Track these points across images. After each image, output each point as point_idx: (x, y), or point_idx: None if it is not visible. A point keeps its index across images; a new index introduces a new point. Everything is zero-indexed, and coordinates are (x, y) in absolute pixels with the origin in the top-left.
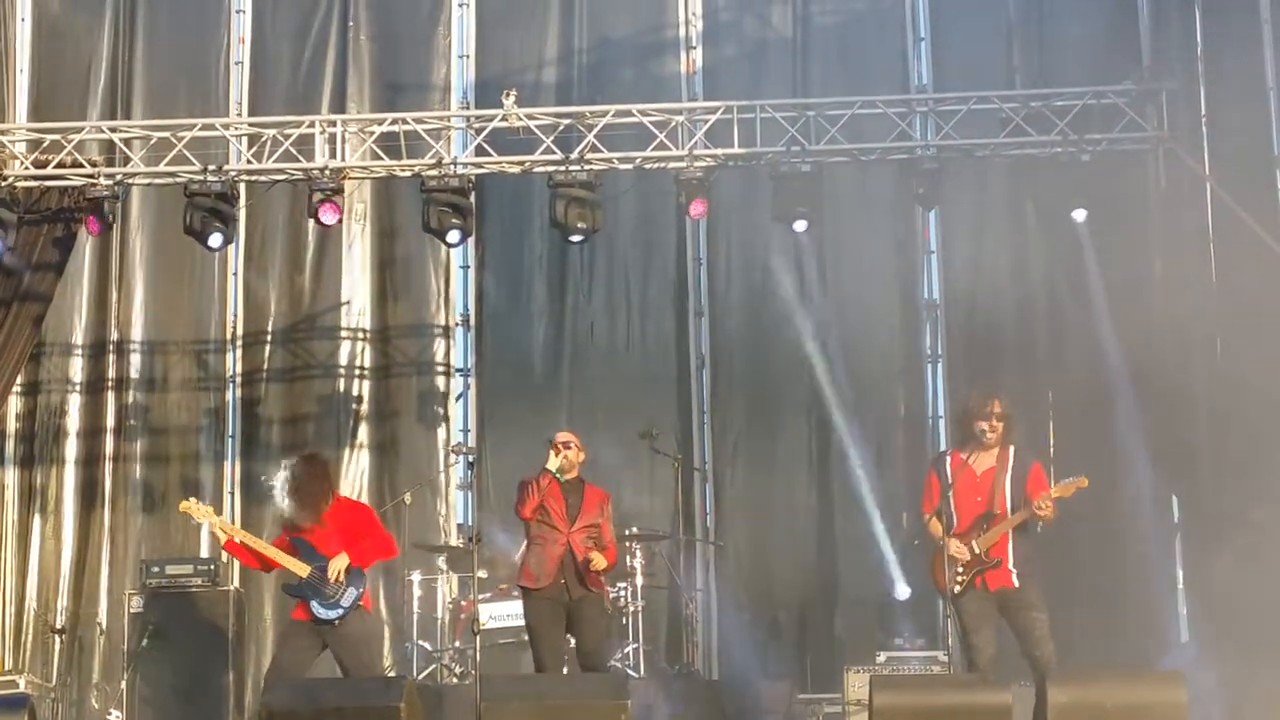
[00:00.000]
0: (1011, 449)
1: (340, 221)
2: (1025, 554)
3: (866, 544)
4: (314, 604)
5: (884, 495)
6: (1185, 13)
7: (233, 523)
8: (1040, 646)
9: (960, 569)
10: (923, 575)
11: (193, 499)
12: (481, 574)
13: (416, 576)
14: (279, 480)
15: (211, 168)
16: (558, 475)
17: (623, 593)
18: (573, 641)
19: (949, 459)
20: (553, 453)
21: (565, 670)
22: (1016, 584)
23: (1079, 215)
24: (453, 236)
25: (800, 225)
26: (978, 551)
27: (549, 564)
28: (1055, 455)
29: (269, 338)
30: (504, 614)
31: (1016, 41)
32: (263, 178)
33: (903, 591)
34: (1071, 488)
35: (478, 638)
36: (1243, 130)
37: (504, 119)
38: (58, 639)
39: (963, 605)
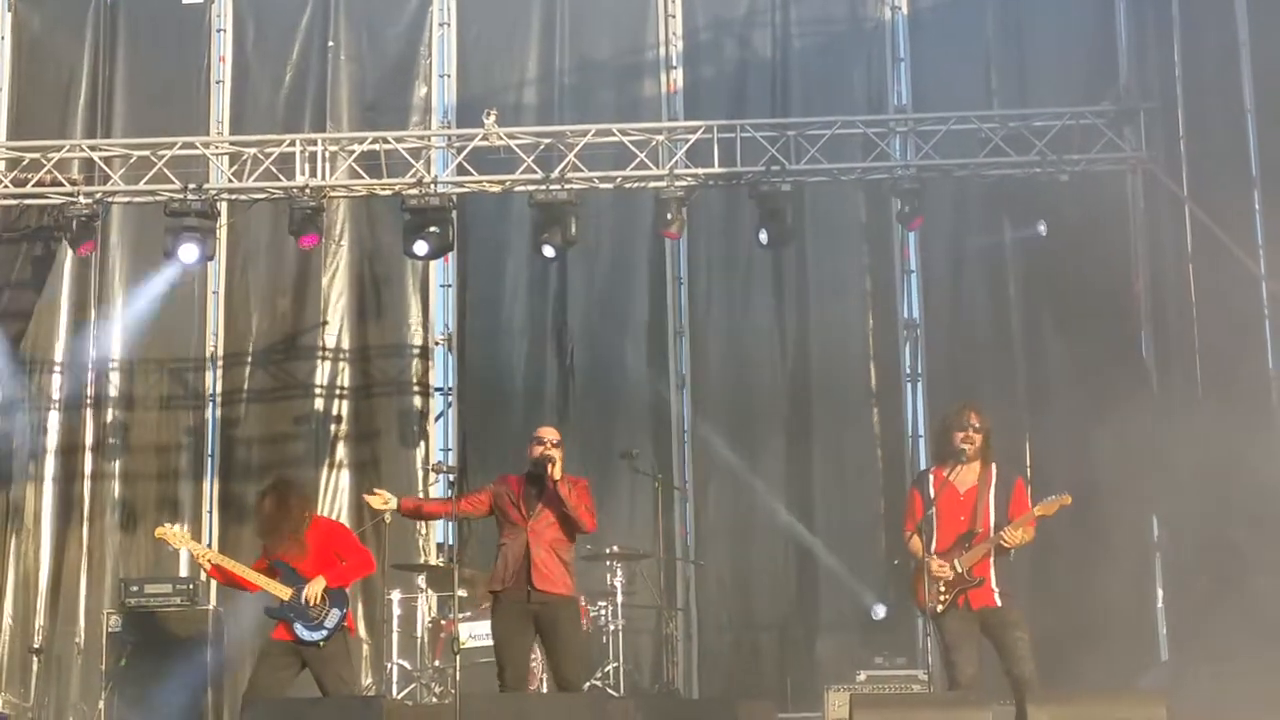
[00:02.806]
0: (994, 467)
1: (320, 242)
2: (1008, 573)
3: (847, 563)
4: (297, 626)
5: (865, 515)
6: (1163, 34)
7: (210, 542)
8: (1021, 665)
9: (943, 588)
10: (901, 595)
11: (168, 524)
12: (461, 593)
13: (396, 596)
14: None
15: (192, 186)
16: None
17: (603, 612)
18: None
19: (931, 476)
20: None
21: (533, 685)
22: (999, 603)
23: (1041, 228)
24: (419, 248)
25: (763, 236)
26: (960, 570)
27: (511, 562)
28: (1034, 474)
29: (249, 357)
30: (484, 633)
31: (995, 62)
32: (243, 196)
33: (879, 611)
34: (1055, 505)
35: (457, 657)
36: (1221, 151)
37: (485, 138)
38: (35, 658)
39: (944, 624)
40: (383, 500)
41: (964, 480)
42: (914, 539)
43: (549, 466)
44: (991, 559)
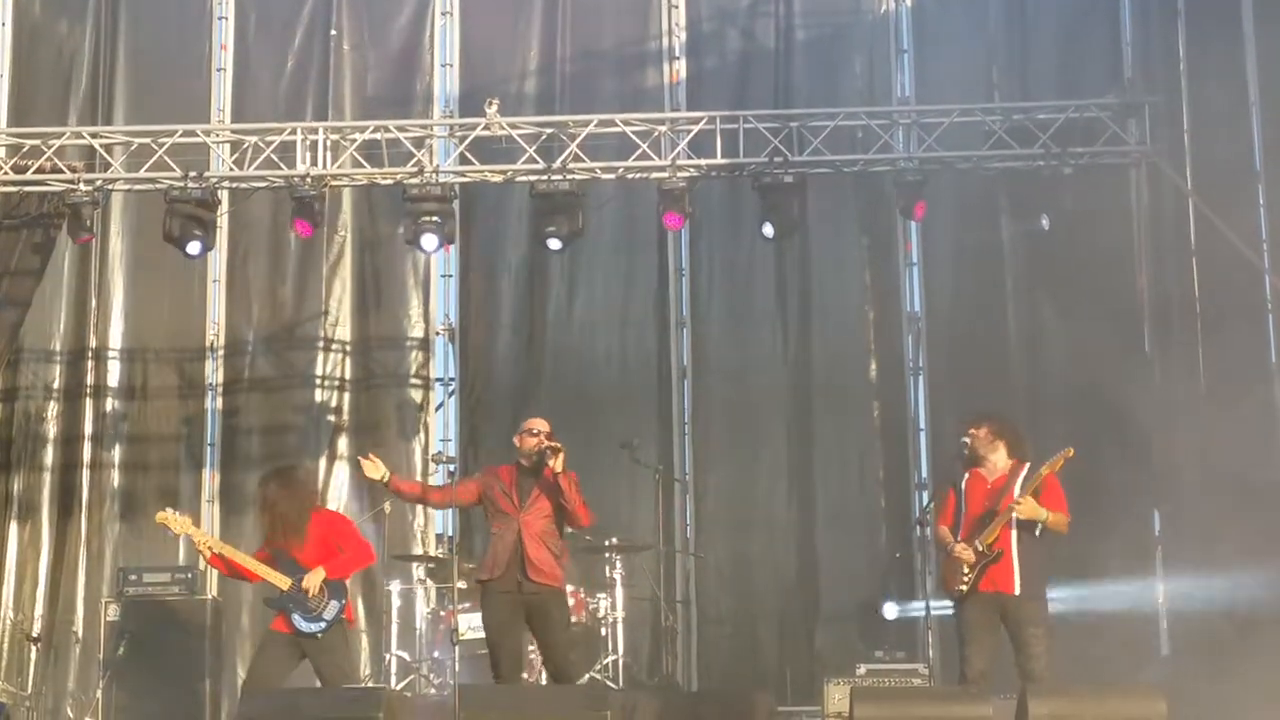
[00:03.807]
0: (1027, 464)
1: (317, 229)
2: (1032, 557)
3: (847, 556)
4: (296, 617)
5: (866, 508)
6: (1168, 27)
7: (211, 532)
8: (1033, 662)
9: (965, 570)
10: (903, 587)
11: (170, 510)
12: (461, 584)
13: (395, 586)
14: (257, 495)
15: (192, 174)
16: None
17: (603, 603)
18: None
19: (966, 474)
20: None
21: (531, 676)
22: (1018, 592)
23: (1044, 222)
24: (428, 242)
25: (768, 229)
26: (980, 548)
27: (502, 553)
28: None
29: (249, 347)
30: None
31: (999, 55)
32: (244, 185)
33: (891, 611)
34: (1059, 461)
35: (456, 648)
36: (1225, 145)
37: (487, 128)
38: (33, 647)
39: (964, 611)
40: (376, 470)
41: (994, 473)
42: (941, 528)
43: (552, 458)
44: (1014, 535)
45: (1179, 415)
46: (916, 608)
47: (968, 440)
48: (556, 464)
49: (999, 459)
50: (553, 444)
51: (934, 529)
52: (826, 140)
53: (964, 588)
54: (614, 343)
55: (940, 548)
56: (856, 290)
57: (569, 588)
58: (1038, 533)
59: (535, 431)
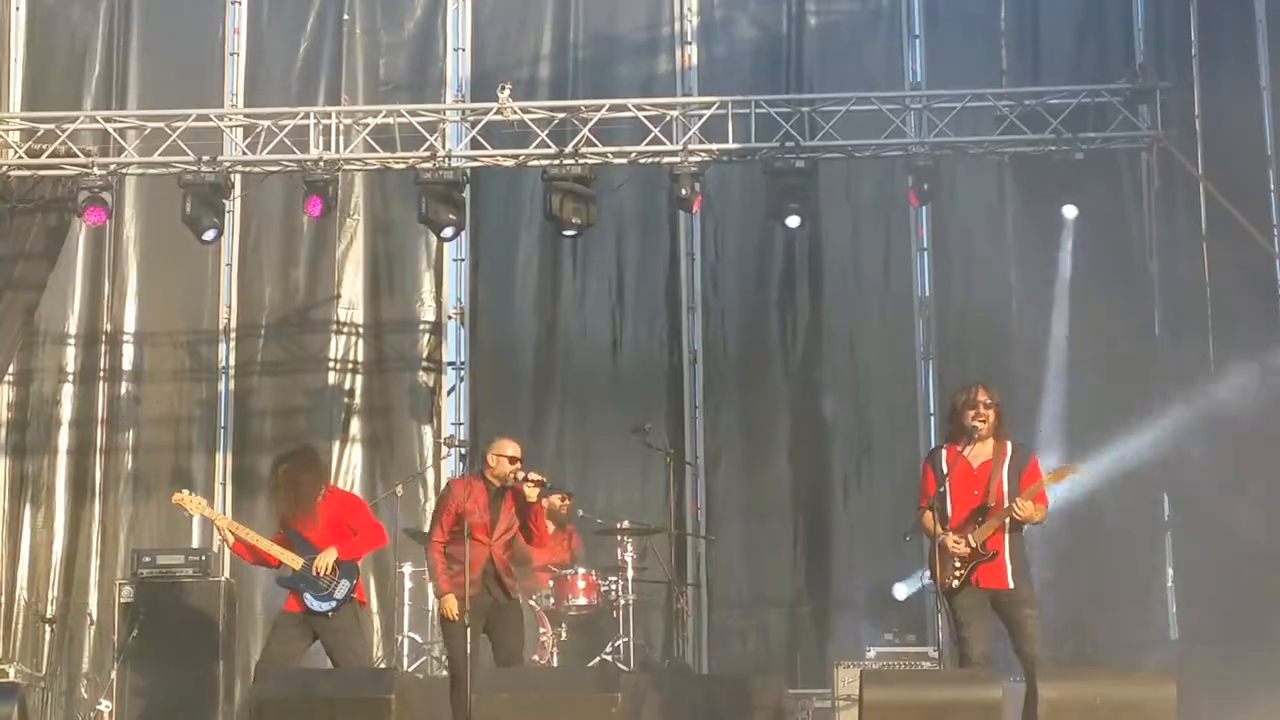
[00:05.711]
0: (1009, 443)
1: (329, 212)
2: (1022, 550)
3: (857, 540)
4: (307, 596)
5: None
6: (1180, 12)
7: (224, 514)
8: (1031, 644)
9: (958, 564)
10: (913, 571)
11: (186, 491)
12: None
13: (407, 569)
14: (270, 477)
15: (206, 158)
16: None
17: (614, 586)
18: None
19: (944, 453)
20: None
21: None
22: (1011, 584)
23: (1069, 212)
24: (447, 232)
25: (793, 221)
26: (974, 545)
27: (474, 571)
28: (1045, 452)
29: (262, 330)
30: None
31: (1010, 40)
32: (257, 169)
33: (901, 591)
34: (1064, 473)
35: (468, 630)
36: (1236, 129)
37: (499, 112)
38: (48, 629)
39: (956, 600)
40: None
41: (978, 455)
42: (926, 514)
43: (533, 489)
44: (1006, 534)
45: (1189, 398)
46: (923, 579)
47: (978, 426)
48: (534, 495)
49: (990, 441)
50: (537, 477)
51: (918, 515)
52: (838, 125)
53: (955, 583)
54: (625, 326)
55: (927, 536)
56: (867, 274)
57: (580, 570)
58: (1024, 532)
59: (512, 457)
